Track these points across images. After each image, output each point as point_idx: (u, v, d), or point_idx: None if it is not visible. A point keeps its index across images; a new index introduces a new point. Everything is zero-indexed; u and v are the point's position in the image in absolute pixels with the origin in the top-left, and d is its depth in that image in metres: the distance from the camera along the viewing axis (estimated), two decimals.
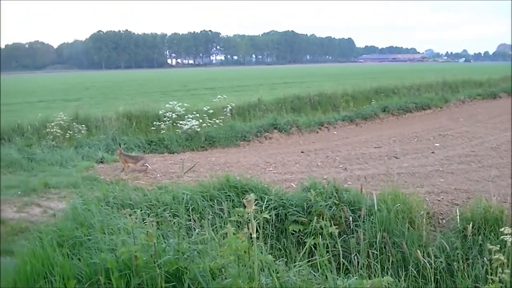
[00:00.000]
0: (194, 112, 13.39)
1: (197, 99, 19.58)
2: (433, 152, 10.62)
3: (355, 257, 4.23)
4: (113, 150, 10.31)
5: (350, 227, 5.08)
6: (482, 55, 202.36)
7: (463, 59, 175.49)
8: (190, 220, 4.69)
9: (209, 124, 13.02)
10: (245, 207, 2.98)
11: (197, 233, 4.02)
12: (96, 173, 8.22)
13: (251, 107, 16.23)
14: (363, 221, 5.03)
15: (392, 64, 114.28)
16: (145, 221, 3.91)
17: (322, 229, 4.09)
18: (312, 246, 4.22)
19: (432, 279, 4.14)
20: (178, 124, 12.77)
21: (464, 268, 4.34)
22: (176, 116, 13.20)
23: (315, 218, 4.79)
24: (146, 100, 16.13)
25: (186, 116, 13.10)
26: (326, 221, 4.20)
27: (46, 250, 3.73)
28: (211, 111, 13.97)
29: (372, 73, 48.26)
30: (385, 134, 14.23)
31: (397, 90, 22.31)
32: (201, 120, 12.91)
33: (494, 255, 3.09)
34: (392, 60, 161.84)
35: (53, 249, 3.71)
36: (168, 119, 12.97)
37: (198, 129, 12.64)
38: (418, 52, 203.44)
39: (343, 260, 3.98)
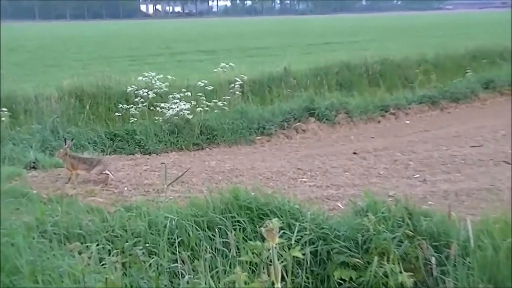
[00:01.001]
0: (184, 90, 13.45)
1: (188, 69, 19.64)
2: None
3: None
4: (54, 148, 10.40)
5: (432, 274, 5.03)
6: None
7: None
8: (176, 260, 4.69)
9: (207, 109, 13.07)
10: (264, 240, 2.96)
11: (187, 281, 4.02)
12: (26, 186, 8.26)
13: (273, 82, 16.25)
14: (454, 265, 4.97)
15: (499, 12, 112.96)
16: (103, 263, 3.92)
17: (387, 277, 4.05)
18: None
19: None
20: (158, 108, 12.84)
21: None
22: (154, 95, 13.30)
23: (376, 258, 4.77)
24: (107, 69, 16.18)
25: (170, 96, 13.16)
26: (393, 264, 4.17)
27: None
28: (210, 87, 14.01)
29: (467, 27, 47.83)
30: (488, 124, 14.15)
31: (509, 54, 22.08)
32: (194, 102, 12.98)
33: None
34: (502, 6, 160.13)
35: None
36: (143, 100, 13.06)
37: (190, 116, 12.71)
38: None
39: None
